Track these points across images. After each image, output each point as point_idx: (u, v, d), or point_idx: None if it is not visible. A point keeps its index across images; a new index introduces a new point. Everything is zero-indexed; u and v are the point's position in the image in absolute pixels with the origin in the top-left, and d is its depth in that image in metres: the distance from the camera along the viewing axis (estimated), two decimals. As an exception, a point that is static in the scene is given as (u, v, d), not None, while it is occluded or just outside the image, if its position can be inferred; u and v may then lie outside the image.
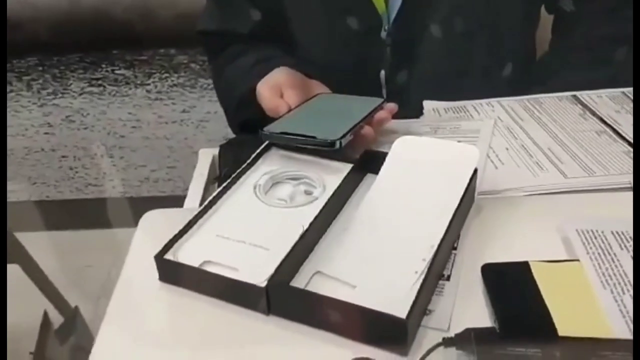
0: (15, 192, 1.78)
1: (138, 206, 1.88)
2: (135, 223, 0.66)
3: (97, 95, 1.65)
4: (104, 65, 1.61)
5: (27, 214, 1.76)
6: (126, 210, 1.77)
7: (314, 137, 0.64)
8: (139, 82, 1.63)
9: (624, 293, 0.48)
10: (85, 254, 1.62)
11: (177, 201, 0.93)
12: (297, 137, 0.65)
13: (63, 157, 1.74)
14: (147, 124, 1.70)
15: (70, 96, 1.65)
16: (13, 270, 1.20)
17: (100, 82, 1.63)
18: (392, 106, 0.74)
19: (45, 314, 1.25)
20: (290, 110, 0.72)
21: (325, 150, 0.64)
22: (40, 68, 1.61)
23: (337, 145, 0.63)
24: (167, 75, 1.61)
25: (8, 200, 1.72)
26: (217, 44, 0.99)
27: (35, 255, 1.33)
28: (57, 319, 1.33)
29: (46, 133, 1.70)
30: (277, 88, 0.76)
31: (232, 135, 0.96)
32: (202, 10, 1.00)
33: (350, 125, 0.66)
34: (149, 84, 1.63)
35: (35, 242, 1.38)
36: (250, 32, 0.95)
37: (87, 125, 1.70)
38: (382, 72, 0.93)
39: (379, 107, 0.72)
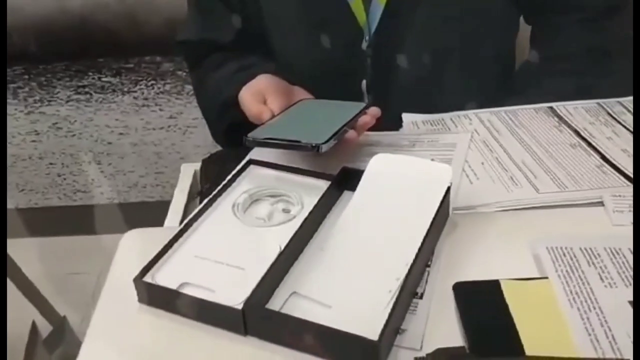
0: (3, 199, 1.78)
1: (126, 212, 1.90)
2: (124, 229, 0.66)
3: (84, 103, 1.65)
4: (90, 73, 1.61)
5: (13, 221, 1.76)
6: (115, 217, 1.78)
7: (298, 142, 0.64)
8: (125, 89, 1.63)
9: (590, 311, 0.49)
10: (73, 261, 1.62)
11: (164, 207, 0.94)
12: (282, 142, 0.65)
13: (51, 164, 1.74)
14: (134, 131, 1.70)
15: (57, 104, 1.65)
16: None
17: (86, 89, 1.63)
18: (375, 110, 0.74)
19: (34, 324, 1.25)
20: (273, 116, 0.72)
21: (310, 153, 0.64)
22: (27, 76, 1.61)
23: (322, 149, 0.63)
24: (153, 82, 1.62)
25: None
26: (198, 54, 0.99)
27: (23, 263, 1.33)
28: (45, 327, 1.34)
29: (33, 141, 1.71)
30: (260, 94, 0.77)
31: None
32: (184, 21, 1.01)
33: (334, 130, 0.66)
34: (135, 91, 1.64)
35: (23, 249, 1.38)
36: (231, 41, 0.96)
37: (75, 132, 1.70)
38: (364, 82, 0.94)
39: (362, 112, 0.73)
